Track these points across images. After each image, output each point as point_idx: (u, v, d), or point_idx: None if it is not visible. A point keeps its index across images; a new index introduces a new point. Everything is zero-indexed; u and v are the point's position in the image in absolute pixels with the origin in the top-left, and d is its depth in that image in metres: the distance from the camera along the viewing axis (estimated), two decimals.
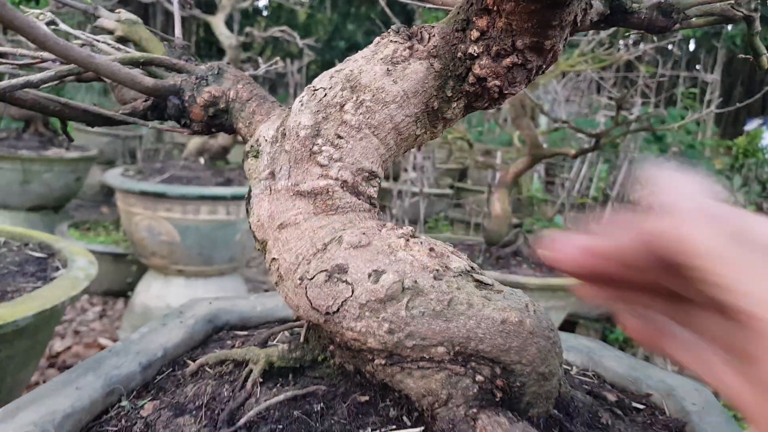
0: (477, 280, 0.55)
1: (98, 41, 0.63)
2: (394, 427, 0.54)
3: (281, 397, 0.56)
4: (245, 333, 0.81)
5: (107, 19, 0.70)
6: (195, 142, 3.29)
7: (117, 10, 0.71)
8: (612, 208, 4.51)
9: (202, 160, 3.10)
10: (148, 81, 0.58)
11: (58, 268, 1.39)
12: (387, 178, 5.67)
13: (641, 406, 0.77)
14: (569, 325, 4.07)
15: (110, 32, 0.70)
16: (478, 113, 6.14)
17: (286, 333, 0.72)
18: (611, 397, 0.76)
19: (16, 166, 2.90)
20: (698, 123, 5.82)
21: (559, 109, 5.82)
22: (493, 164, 3.14)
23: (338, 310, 0.52)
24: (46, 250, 1.45)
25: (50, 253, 1.44)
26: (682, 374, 0.85)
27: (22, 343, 1.14)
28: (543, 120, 6.16)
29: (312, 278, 0.53)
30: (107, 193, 4.28)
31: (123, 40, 0.70)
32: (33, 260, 1.38)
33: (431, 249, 0.54)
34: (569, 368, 0.88)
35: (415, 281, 0.52)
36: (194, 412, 0.57)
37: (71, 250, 1.50)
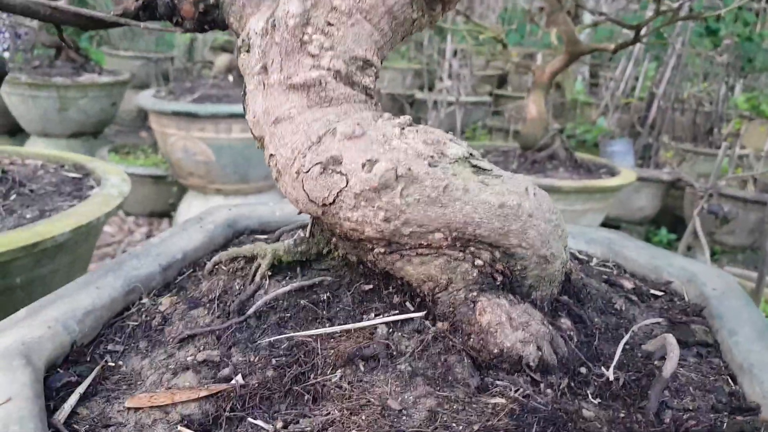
0: (475, 166, 0.54)
1: None
2: (397, 312, 0.55)
3: (288, 287, 0.58)
4: (265, 237, 0.83)
5: None
6: (223, 59, 3.26)
7: None
8: (658, 107, 4.31)
9: (231, 78, 3.09)
10: None
11: (92, 187, 1.44)
12: (421, 88, 5.53)
13: (660, 293, 0.76)
14: (612, 228, 4.03)
15: None
16: (519, 14, 5.84)
17: (301, 233, 0.74)
18: (628, 285, 0.76)
19: (52, 94, 2.95)
20: (757, 14, 5.39)
21: (602, 4, 5.47)
22: (530, 65, 3.01)
23: (334, 201, 0.52)
24: (81, 171, 1.50)
25: (85, 173, 1.49)
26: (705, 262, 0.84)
27: (64, 258, 1.20)
28: (587, 17, 5.82)
29: (308, 171, 0.53)
30: (144, 118, 4.34)
31: None
32: (68, 180, 1.44)
33: (427, 136, 0.53)
34: (588, 259, 0.88)
35: (409, 168, 0.51)
36: (207, 304, 0.60)
37: (104, 169, 1.54)
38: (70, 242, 1.18)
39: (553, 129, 2.59)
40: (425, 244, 0.53)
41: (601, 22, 2.61)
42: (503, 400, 0.47)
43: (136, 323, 0.60)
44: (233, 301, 0.58)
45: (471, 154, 0.55)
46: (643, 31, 1.98)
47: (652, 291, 0.77)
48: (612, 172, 2.58)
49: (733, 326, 0.65)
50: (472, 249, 0.53)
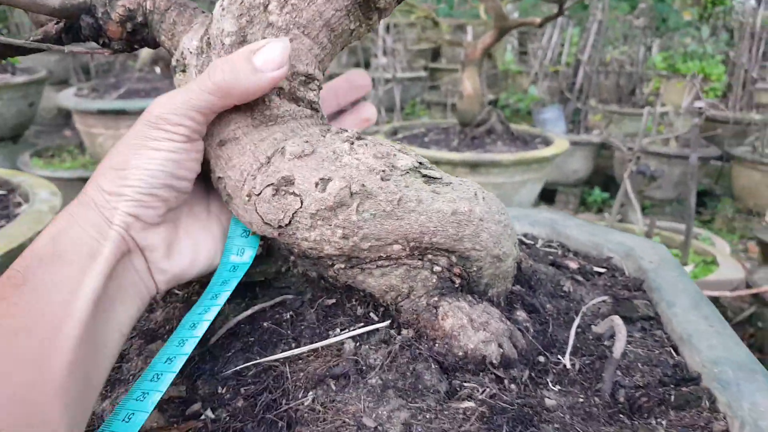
0: (425, 176, 0.55)
1: None
2: (362, 324, 0.56)
3: (249, 311, 0.58)
4: None
5: None
6: (148, 51, 3.13)
7: None
8: (584, 72, 4.45)
9: (158, 69, 2.98)
10: (54, 1, 0.54)
11: (20, 204, 1.37)
12: (358, 64, 5.49)
13: (602, 270, 0.80)
14: (550, 192, 4.17)
15: None
16: None
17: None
18: (573, 265, 0.80)
19: None
20: None
21: None
22: (461, 42, 3.04)
23: (290, 222, 0.52)
24: (5, 187, 1.42)
25: (9, 188, 1.41)
26: (666, 242, 0.89)
27: None
28: None
29: (259, 194, 0.53)
30: (66, 116, 4.13)
31: None
32: None
33: (377, 150, 0.54)
34: (534, 241, 0.91)
35: (363, 185, 0.51)
36: (165, 336, 0.59)
37: (31, 183, 1.47)
38: (2, 268, 1.12)
39: (488, 105, 2.64)
40: (384, 256, 0.54)
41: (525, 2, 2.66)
42: (473, 404, 0.49)
43: None
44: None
45: (420, 163, 0.56)
46: (567, 4, 2.04)
47: (595, 268, 0.81)
48: (546, 142, 2.66)
49: (671, 298, 0.69)
50: (429, 256, 0.55)
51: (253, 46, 0.51)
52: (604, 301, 0.70)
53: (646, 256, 0.79)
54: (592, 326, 0.65)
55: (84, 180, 2.89)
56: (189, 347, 0.51)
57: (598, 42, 4.40)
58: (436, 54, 6.57)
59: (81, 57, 4.45)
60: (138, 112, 2.28)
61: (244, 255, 0.58)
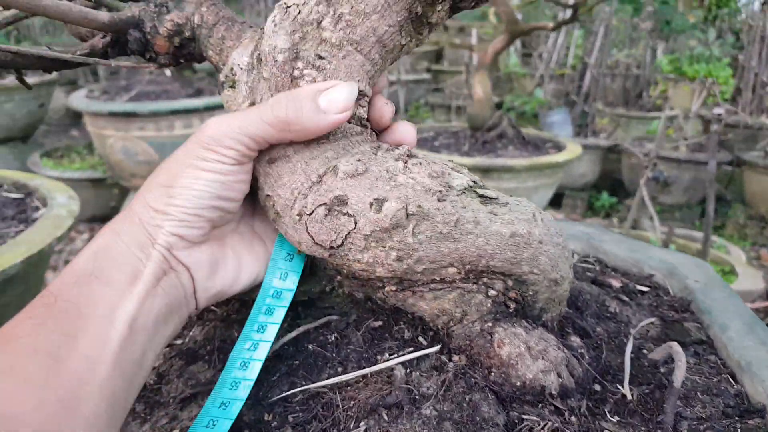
0: (481, 196, 0.53)
1: None
2: (411, 348, 0.54)
3: (294, 333, 0.56)
4: None
5: None
6: None
7: None
8: (591, 76, 4.43)
9: (168, 72, 2.96)
10: (104, 16, 0.52)
11: (38, 208, 1.35)
12: None
13: (645, 289, 0.78)
14: (557, 196, 4.14)
15: None
16: None
17: None
18: (616, 284, 0.77)
19: None
20: None
21: None
22: (470, 45, 3.02)
23: (342, 243, 0.50)
24: (23, 190, 1.40)
25: (27, 192, 1.39)
26: (683, 252, 0.87)
27: (15, 290, 1.13)
28: None
29: (311, 213, 0.51)
30: (75, 116, 4.11)
31: None
32: (10, 202, 1.34)
33: (432, 169, 0.52)
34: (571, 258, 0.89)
35: (419, 205, 0.49)
36: (206, 357, 0.57)
37: (49, 186, 1.45)
38: (21, 273, 1.10)
39: (496, 109, 2.62)
40: (438, 279, 0.52)
41: (536, 0, 2.64)
42: None
43: None
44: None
45: (475, 182, 0.54)
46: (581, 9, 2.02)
47: (638, 287, 0.79)
48: (558, 147, 2.64)
49: (724, 321, 0.67)
50: (485, 280, 0.53)
51: (321, 85, 0.50)
52: (652, 324, 0.68)
53: (691, 275, 0.77)
54: (645, 351, 0.62)
55: (93, 181, 2.87)
56: (244, 392, 0.49)
57: (604, 45, 4.38)
58: (438, 56, 6.55)
59: None
60: (149, 115, 2.26)
61: (287, 280, 0.55)
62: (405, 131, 0.58)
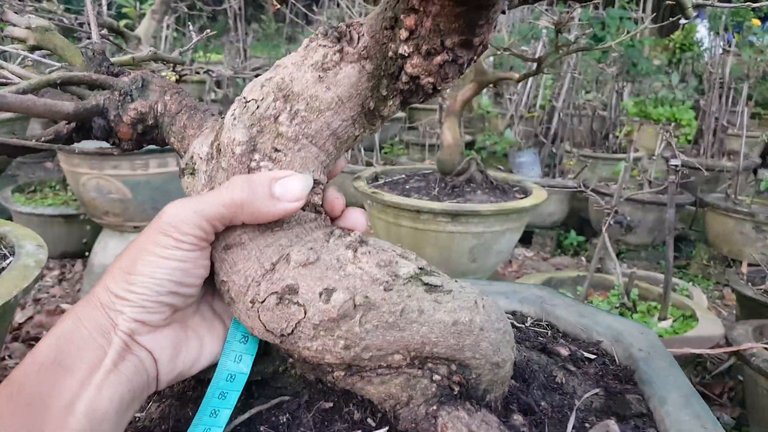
0: (426, 284, 0.55)
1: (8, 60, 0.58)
2: (359, 430, 0.56)
3: (246, 415, 0.57)
4: None
5: (18, 28, 0.64)
6: None
7: (26, 15, 0.65)
8: (559, 118, 4.55)
9: None
10: (68, 107, 0.54)
11: (5, 257, 1.34)
12: None
13: (593, 356, 0.81)
14: (527, 234, 4.22)
15: (22, 41, 0.64)
16: None
17: None
18: (564, 352, 0.80)
19: None
20: (636, 21, 5.83)
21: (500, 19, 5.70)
22: (441, 94, 3.10)
23: (293, 332, 0.52)
24: None
25: None
26: (627, 318, 0.90)
27: None
28: None
29: (263, 301, 0.53)
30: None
31: (36, 48, 0.64)
32: None
33: (379, 258, 0.54)
34: (524, 321, 0.92)
35: (366, 296, 0.52)
36: None
37: (17, 234, 1.44)
38: None
39: (468, 154, 2.68)
40: (385, 365, 0.54)
41: (502, 56, 2.73)
42: None
43: None
44: None
45: (422, 269, 0.57)
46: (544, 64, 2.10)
47: (586, 354, 0.82)
48: (524, 191, 2.70)
49: (663, 393, 0.70)
50: (429, 365, 0.55)
51: (278, 173, 0.53)
52: (596, 395, 0.71)
53: (635, 343, 0.80)
54: (587, 425, 0.65)
55: (65, 217, 2.83)
56: None
57: (572, 88, 4.52)
58: None
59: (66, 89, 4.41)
60: (122, 153, 2.24)
61: (241, 363, 0.57)
62: (356, 219, 0.61)
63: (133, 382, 0.50)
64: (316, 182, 0.57)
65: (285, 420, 0.57)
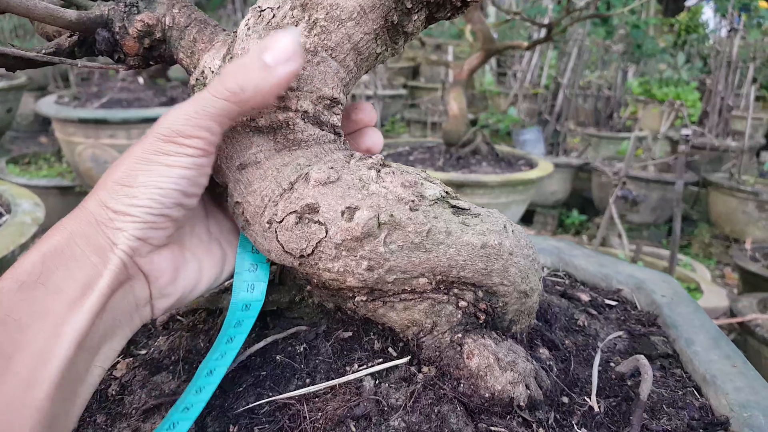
0: (453, 206, 0.53)
1: None
2: (380, 360, 0.54)
3: (261, 343, 0.55)
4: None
5: None
6: None
7: None
8: (564, 96, 4.51)
9: (141, 80, 2.92)
10: (71, 14, 0.51)
11: (1, 215, 1.31)
12: None
13: (613, 303, 0.79)
14: (528, 213, 4.19)
15: None
16: None
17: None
18: (584, 297, 0.78)
19: None
20: (642, 2, 5.77)
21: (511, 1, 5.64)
22: (447, 62, 3.05)
23: (313, 252, 0.50)
24: None
25: None
26: (645, 261, 0.88)
27: None
28: (491, 10, 5.98)
29: (281, 221, 0.50)
30: (44, 122, 4.02)
31: None
32: None
33: (404, 178, 0.51)
34: (541, 270, 0.89)
35: (392, 215, 0.49)
36: (171, 367, 0.55)
37: (14, 192, 1.41)
38: None
39: (471, 126, 2.65)
40: (409, 289, 0.51)
41: (512, 20, 2.68)
42: None
43: None
44: (201, 363, 0.54)
45: (447, 193, 0.54)
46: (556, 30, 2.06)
47: (606, 301, 0.79)
48: (530, 164, 2.67)
49: (689, 335, 0.68)
50: (455, 291, 0.52)
51: (263, 43, 0.47)
52: (620, 337, 0.69)
53: (658, 290, 0.78)
54: (612, 364, 0.63)
55: (60, 189, 2.80)
56: (206, 394, 0.47)
57: (577, 66, 4.47)
58: (415, 73, 6.61)
59: (60, 64, 4.34)
60: (120, 122, 2.22)
61: (255, 291, 0.54)
62: (374, 137, 0.58)
63: (120, 309, 0.45)
64: (335, 101, 0.54)
65: (302, 350, 0.55)
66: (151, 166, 0.46)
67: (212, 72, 0.53)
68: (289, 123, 0.51)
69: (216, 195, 0.58)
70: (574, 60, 4.36)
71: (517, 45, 2.32)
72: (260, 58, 0.46)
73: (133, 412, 0.52)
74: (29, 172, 3.01)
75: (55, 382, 0.39)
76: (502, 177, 2.36)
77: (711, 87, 4.46)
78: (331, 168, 0.51)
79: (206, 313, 0.60)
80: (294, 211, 0.50)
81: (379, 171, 0.52)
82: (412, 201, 0.50)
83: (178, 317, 0.62)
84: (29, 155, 3.30)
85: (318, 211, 0.49)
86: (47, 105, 2.57)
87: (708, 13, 7.52)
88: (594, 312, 0.74)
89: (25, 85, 3.19)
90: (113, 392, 0.55)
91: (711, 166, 4.14)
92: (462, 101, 2.51)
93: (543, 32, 2.03)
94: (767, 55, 5.70)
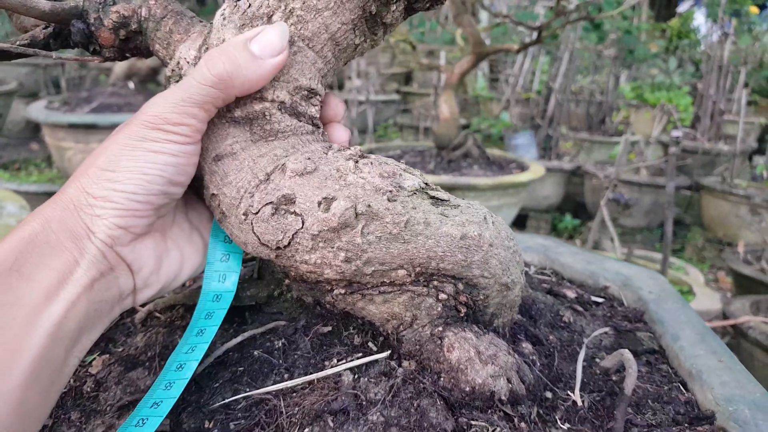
0: (432, 197, 0.52)
1: None
2: (360, 354, 0.53)
3: (239, 338, 0.54)
4: None
5: None
6: (121, 65, 3.06)
7: None
8: (556, 101, 4.52)
9: (131, 85, 2.91)
10: (44, 4, 0.50)
11: None
12: (331, 87, 5.49)
13: (600, 300, 0.78)
14: (521, 218, 4.19)
15: None
16: (419, 14, 5.90)
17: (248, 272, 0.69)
18: (571, 294, 0.77)
19: None
20: (633, 7, 5.79)
21: (498, 3, 5.66)
22: (438, 66, 3.06)
23: (289, 243, 0.49)
24: None
25: None
26: (638, 264, 0.87)
27: None
28: (483, 15, 6.00)
29: (257, 212, 0.49)
30: (34, 129, 4.01)
31: None
32: None
33: (382, 169, 0.51)
34: (527, 268, 0.89)
35: (369, 205, 0.48)
36: (147, 363, 0.54)
37: None
38: None
39: (462, 130, 2.65)
40: (388, 281, 0.51)
41: (503, 23, 2.69)
42: None
43: (64, 391, 0.53)
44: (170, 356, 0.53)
45: (426, 184, 0.53)
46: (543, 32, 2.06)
47: (593, 298, 0.79)
48: (522, 167, 2.67)
49: (675, 331, 0.67)
50: (435, 283, 0.52)
51: (248, 34, 0.47)
52: (605, 333, 0.68)
53: (645, 287, 0.77)
54: (597, 359, 0.62)
55: (50, 194, 2.79)
56: (177, 390, 0.46)
57: (569, 71, 4.48)
58: (408, 78, 6.62)
59: (51, 70, 4.32)
60: (110, 127, 2.21)
61: (226, 281, 0.53)
62: (340, 132, 0.57)
63: (103, 300, 0.44)
64: (312, 92, 0.53)
65: (280, 345, 0.54)
66: (137, 152, 0.45)
67: (187, 63, 0.52)
68: (266, 113, 0.51)
69: (194, 184, 0.57)
70: (565, 65, 4.37)
71: (507, 48, 2.33)
72: (247, 48, 0.46)
73: (108, 408, 0.51)
74: (19, 177, 2.99)
75: (27, 371, 0.38)
76: (493, 180, 2.35)
77: (703, 91, 4.47)
78: (308, 159, 0.50)
79: (184, 309, 0.59)
80: (270, 202, 0.49)
81: (357, 162, 0.51)
82: (390, 191, 0.49)
83: (156, 313, 0.61)
84: (19, 161, 3.28)
85: (294, 202, 0.49)
86: (37, 110, 2.55)
87: (699, 19, 7.57)
88: (580, 309, 0.73)
89: (16, 91, 3.18)
90: (88, 389, 0.53)
91: (703, 170, 4.15)
92: (453, 104, 2.51)
93: (534, 36, 2.04)
94: (758, 59, 5.74)
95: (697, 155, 4.15)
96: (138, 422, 0.44)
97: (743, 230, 3.54)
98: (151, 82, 2.94)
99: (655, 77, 5.89)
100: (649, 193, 3.75)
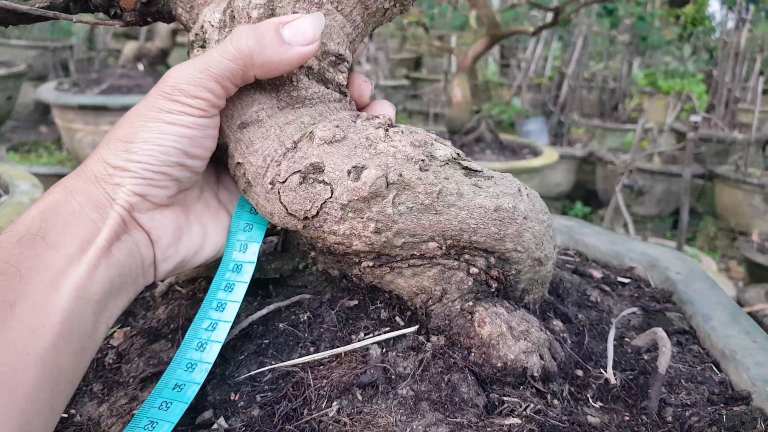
0: (465, 167, 0.50)
1: None
2: (387, 328, 0.51)
3: (264, 311, 0.52)
4: None
5: None
6: (131, 47, 3.04)
7: None
8: (568, 86, 4.47)
9: (141, 66, 2.89)
10: None
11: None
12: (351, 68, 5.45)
13: (626, 280, 0.76)
14: None
15: None
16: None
17: (273, 244, 0.68)
18: (597, 274, 0.76)
19: None
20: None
21: None
22: (451, 49, 3.02)
23: (318, 213, 0.47)
24: None
25: None
26: (663, 245, 0.85)
27: None
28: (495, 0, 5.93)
29: (284, 181, 0.48)
30: (44, 112, 4.00)
31: None
32: None
33: (414, 138, 0.49)
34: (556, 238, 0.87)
35: (400, 174, 0.47)
36: (170, 336, 0.53)
37: (11, 174, 1.39)
38: None
39: (474, 114, 2.62)
40: (418, 254, 0.49)
41: (518, 4, 2.65)
42: (518, 420, 0.44)
43: None
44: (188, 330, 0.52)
45: (458, 154, 0.51)
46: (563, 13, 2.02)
47: (619, 278, 0.77)
48: (535, 152, 2.65)
49: (706, 311, 0.66)
50: (466, 256, 0.50)
51: (284, 18, 0.47)
52: (634, 313, 0.66)
53: (672, 267, 0.75)
54: (627, 339, 0.61)
55: (60, 176, 2.79)
56: (200, 375, 0.45)
57: (582, 57, 4.43)
58: (417, 64, 6.57)
59: (60, 53, 4.31)
60: (120, 109, 2.20)
61: (248, 252, 0.52)
62: (384, 109, 0.55)
63: (126, 265, 0.44)
64: (340, 58, 0.51)
65: (305, 318, 0.52)
66: (152, 123, 0.45)
67: (212, 26, 0.50)
68: (293, 79, 0.49)
69: (225, 160, 0.56)
70: (579, 51, 4.32)
71: (522, 30, 2.29)
72: (278, 31, 0.46)
73: (131, 380, 0.50)
74: (29, 159, 2.99)
75: (57, 333, 0.38)
76: (506, 165, 2.33)
77: (717, 79, 4.41)
78: (337, 126, 0.49)
79: (206, 282, 0.58)
80: (298, 171, 0.47)
81: (387, 130, 0.50)
82: (422, 161, 0.48)
83: (177, 287, 0.60)
84: (29, 143, 3.28)
85: (323, 171, 0.47)
86: (47, 91, 2.55)
87: (714, 6, 7.46)
88: (607, 288, 0.72)
89: (25, 72, 3.17)
90: (110, 361, 0.52)
91: (717, 159, 4.11)
92: (466, 88, 2.48)
93: (549, 18, 2.00)
94: None
95: (711, 143, 4.10)
96: (161, 405, 0.43)
97: (757, 219, 3.51)
98: (160, 64, 2.92)
99: (668, 64, 5.81)
100: (661, 180, 3.71)
